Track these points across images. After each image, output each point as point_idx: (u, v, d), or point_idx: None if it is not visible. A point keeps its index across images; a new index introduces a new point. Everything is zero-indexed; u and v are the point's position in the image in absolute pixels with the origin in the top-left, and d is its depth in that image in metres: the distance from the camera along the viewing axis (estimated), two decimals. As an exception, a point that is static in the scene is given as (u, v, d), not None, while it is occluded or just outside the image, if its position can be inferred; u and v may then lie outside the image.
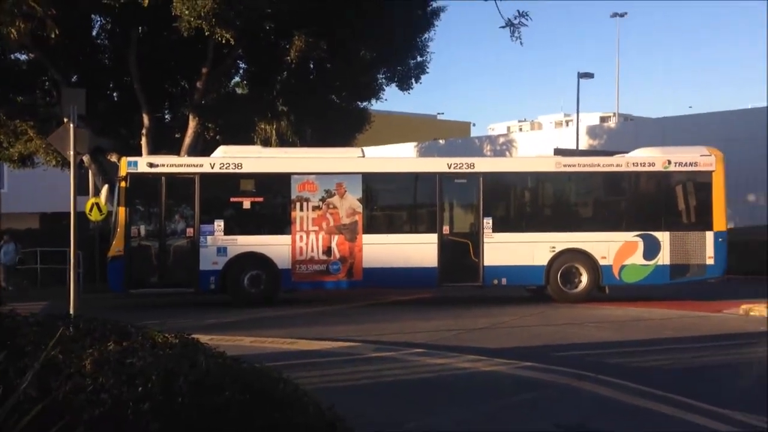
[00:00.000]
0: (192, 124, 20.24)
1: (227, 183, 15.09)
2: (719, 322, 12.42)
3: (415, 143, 35.43)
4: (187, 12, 15.20)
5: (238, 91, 25.08)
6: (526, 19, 7.02)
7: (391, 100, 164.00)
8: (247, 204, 15.08)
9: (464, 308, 14.21)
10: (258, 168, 15.04)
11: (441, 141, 36.43)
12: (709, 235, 15.17)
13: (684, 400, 6.70)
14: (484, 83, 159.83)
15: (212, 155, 15.62)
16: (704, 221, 15.27)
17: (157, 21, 17.93)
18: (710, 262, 15.15)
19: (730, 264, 19.49)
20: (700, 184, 15.43)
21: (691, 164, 15.36)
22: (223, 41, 16.21)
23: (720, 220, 15.28)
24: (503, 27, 6.93)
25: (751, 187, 26.30)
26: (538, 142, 32.83)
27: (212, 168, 14.89)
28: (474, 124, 62.37)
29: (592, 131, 32.20)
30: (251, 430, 2.94)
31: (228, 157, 14.99)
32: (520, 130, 73.64)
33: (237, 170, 14.84)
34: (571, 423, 5.85)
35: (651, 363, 8.89)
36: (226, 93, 22.99)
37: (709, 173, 15.32)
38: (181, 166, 15.35)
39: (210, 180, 14.89)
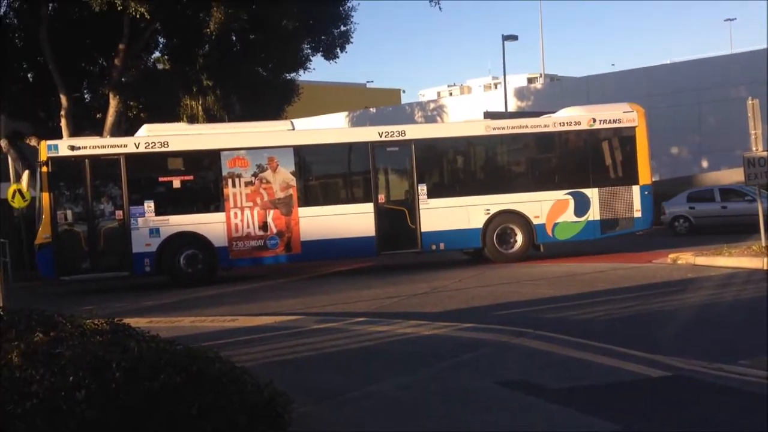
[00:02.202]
0: (113, 102, 19.52)
1: (154, 162, 14.66)
2: (649, 272, 12.91)
3: (346, 113, 35.23)
4: (98, -14, 14.52)
5: (160, 66, 24.29)
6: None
7: (319, 70, 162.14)
8: (177, 183, 14.70)
9: (404, 275, 14.32)
10: (185, 146, 14.66)
11: (372, 109, 36.33)
12: (636, 189, 15.70)
13: (618, 349, 6.94)
14: (411, 49, 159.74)
15: (136, 134, 15.12)
16: (630, 176, 15.78)
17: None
18: (638, 215, 15.70)
19: (660, 214, 20.30)
20: (625, 139, 15.90)
21: (614, 121, 15.79)
22: (138, 16, 15.58)
23: (645, 174, 15.82)
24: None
25: (674, 141, 27.30)
26: (468, 106, 33.13)
27: (137, 148, 14.41)
28: (404, 91, 62.42)
29: (520, 93, 32.69)
30: (189, 412, 2.87)
31: (153, 136, 14.53)
32: (450, 94, 74.05)
33: (163, 149, 14.41)
34: (512, 379, 5.97)
35: (586, 315, 9.17)
36: (147, 69, 22.24)
37: (633, 129, 15.80)
38: (104, 147, 14.80)
39: (136, 160, 14.42)
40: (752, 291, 10.41)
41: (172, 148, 14.50)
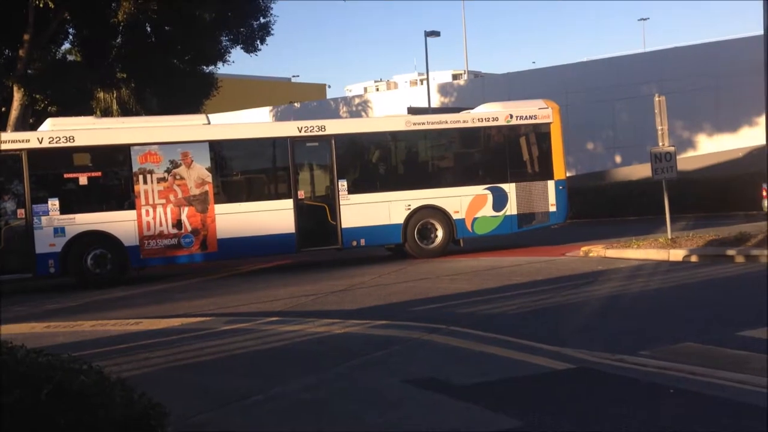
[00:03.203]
0: (17, 96, 18.53)
1: (59, 158, 13.93)
2: (562, 265, 13.18)
3: (270, 107, 34.64)
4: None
5: (71, 58, 23.24)
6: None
7: (244, 64, 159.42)
8: (83, 180, 14.02)
9: (324, 272, 14.15)
10: (93, 141, 13.99)
11: (296, 104, 35.88)
12: (551, 184, 16.02)
13: (528, 342, 7.00)
14: (339, 45, 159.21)
15: (40, 129, 14.35)
16: (545, 171, 16.09)
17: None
18: (553, 209, 16.03)
19: (576, 209, 20.83)
20: (540, 135, 16.19)
21: (530, 117, 16.06)
22: (42, 5, 14.78)
23: (560, 169, 16.16)
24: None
25: (590, 136, 28.08)
26: (393, 101, 33.12)
27: (40, 143, 13.65)
28: (329, 86, 62.08)
29: (443, 89, 32.93)
30: (50, 430, 2.63)
31: (57, 131, 13.81)
32: (377, 90, 74.14)
33: (69, 144, 13.71)
34: (420, 376, 5.91)
35: (499, 309, 9.24)
36: (55, 61, 21.18)
37: (548, 125, 16.10)
38: (4, 142, 13.92)
39: (39, 156, 13.66)
40: (657, 282, 10.75)
41: (78, 143, 13.82)
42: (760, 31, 13.28)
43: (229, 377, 6.29)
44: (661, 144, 14.23)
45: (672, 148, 14.25)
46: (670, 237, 14.05)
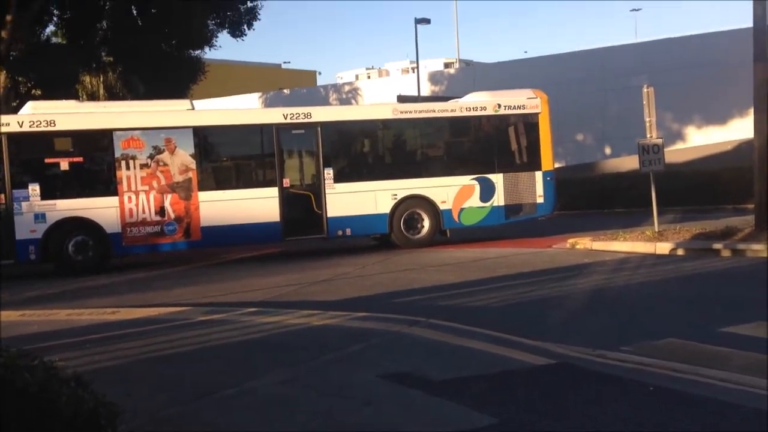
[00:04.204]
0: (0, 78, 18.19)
1: (40, 143, 13.69)
2: (548, 257, 13.10)
3: (259, 94, 34.34)
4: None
5: (56, 40, 22.89)
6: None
7: (234, 50, 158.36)
8: (65, 165, 13.79)
9: (308, 261, 14.01)
10: (75, 125, 13.75)
11: (286, 91, 35.58)
12: (539, 175, 15.90)
13: (509, 337, 6.89)
14: (330, 31, 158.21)
15: (20, 112, 14.09)
16: (533, 162, 15.96)
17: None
18: (540, 200, 15.92)
19: (564, 201, 20.75)
20: (529, 125, 16.05)
21: (518, 107, 15.91)
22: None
23: (548, 160, 16.04)
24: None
25: (579, 127, 27.97)
26: (384, 89, 32.92)
27: (21, 127, 13.40)
28: (320, 73, 61.65)
29: (434, 77, 32.74)
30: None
31: (38, 114, 13.56)
32: (368, 77, 73.79)
33: (50, 128, 13.46)
34: (397, 371, 5.80)
35: (483, 302, 9.14)
36: (39, 43, 20.83)
37: (536, 115, 15.96)
38: (-17, 125, 13.68)
39: (19, 140, 13.42)
40: (642, 276, 10.68)
41: (59, 127, 13.58)
42: (751, 24, 13.19)
43: (202, 370, 6.16)
44: (649, 136, 14.13)
45: (660, 140, 14.16)
46: (656, 230, 13.98)
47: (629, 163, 22.45)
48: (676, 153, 24.38)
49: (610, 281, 10.25)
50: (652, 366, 5.81)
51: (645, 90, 14.23)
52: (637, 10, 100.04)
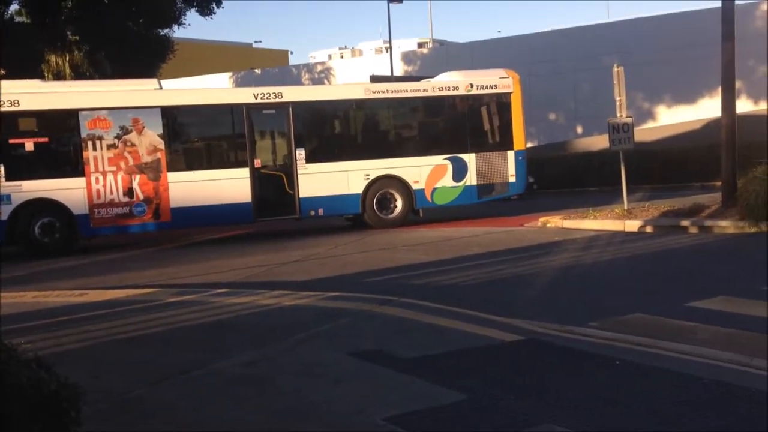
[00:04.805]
0: (-40, 57, 17.70)
1: (4, 123, 13.34)
2: (520, 236, 13.18)
3: (229, 73, 33.91)
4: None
5: (19, 19, 22.31)
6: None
7: (204, 28, 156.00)
8: (29, 145, 13.53)
9: (280, 242, 13.94)
10: (39, 105, 13.47)
11: (257, 71, 35.19)
12: (510, 155, 15.97)
13: (479, 314, 6.92)
14: (302, 10, 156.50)
15: (-18, 92, 13.72)
16: (505, 141, 16.02)
17: None
18: (512, 180, 16.00)
19: (541, 180, 20.84)
20: (501, 105, 16.08)
21: (491, 87, 15.92)
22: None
23: (519, 140, 16.10)
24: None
25: (552, 107, 28.11)
26: (357, 69, 32.67)
27: (-17, 107, 13.10)
28: (292, 53, 61.03)
29: (407, 57, 32.59)
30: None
31: (3, 94, 13.20)
32: (342, 57, 73.21)
33: (13, 108, 13.17)
34: (367, 349, 5.80)
35: (454, 280, 9.17)
36: (2, 22, 20.30)
37: (508, 94, 15.99)
38: (-56, 105, 13.33)
39: (-18, 120, 13.12)
40: (611, 253, 10.80)
41: (23, 107, 13.29)
42: (719, 3, 13.29)
43: (170, 351, 6.10)
44: (619, 115, 14.23)
45: (629, 119, 14.27)
46: (626, 208, 14.14)
47: (600, 142, 22.65)
48: (646, 132, 24.64)
49: (579, 259, 10.35)
50: (618, 341, 5.88)
51: (615, 70, 14.31)
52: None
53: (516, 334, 6.22)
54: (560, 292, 8.32)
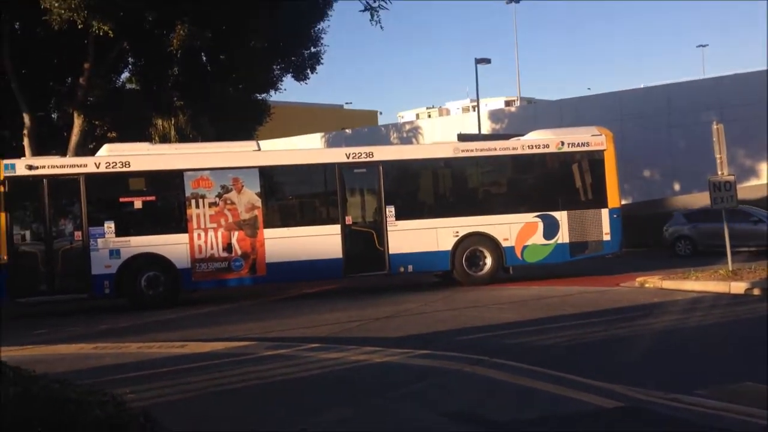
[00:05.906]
0: (77, 122, 19.19)
1: (115, 183, 14.35)
2: (616, 296, 12.77)
3: (321, 134, 35.03)
4: (56, 4, 14.27)
5: (130, 86, 24.02)
6: (386, 2, 6.80)
7: (298, 92, 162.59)
8: (138, 204, 14.40)
9: (371, 298, 14.06)
10: (147, 166, 14.37)
11: (348, 130, 36.16)
12: (605, 212, 15.63)
13: (573, 377, 6.71)
14: (391, 72, 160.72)
15: (97, 154, 14.82)
16: (599, 199, 15.71)
17: (30, 15, 16.82)
18: (607, 238, 15.61)
19: (631, 238, 20.19)
20: (593, 162, 15.85)
21: (582, 144, 15.75)
22: (101, 33, 15.34)
23: (614, 197, 15.75)
24: (362, 11, 6.72)
25: (646, 164, 27.35)
26: (444, 128, 33.06)
27: (98, 168, 14.10)
28: (381, 113, 62.52)
29: (494, 115, 32.70)
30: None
31: (114, 156, 14.23)
32: (429, 116, 74.32)
33: (125, 169, 14.12)
34: (458, 410, 5.73)
35: (548, 341, 8.96)
36: (114, 88, 21.91)
37: (601, 152, 15.76)
38: (63, 167, 14.45)
39: (96, 180, 14.11)
40: (716, 316, 10.28)
41: (133, 168, 14.22)
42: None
43: (264, 405, 6.22)
44: (720, 173, 13.72)
45: (731, 177, 13.73)
46: (731, 269, 13.46)
47: (701, 199, 21.79)
48: (749, 189, 23.51)
49: (682, 321, 9.90)
50: (728, 411, 5.56)
51: (715, 127, 13.88)
52: (704, 45, 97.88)
53: (615, 400, 5.97)
54: (662, 356, 7.96)
